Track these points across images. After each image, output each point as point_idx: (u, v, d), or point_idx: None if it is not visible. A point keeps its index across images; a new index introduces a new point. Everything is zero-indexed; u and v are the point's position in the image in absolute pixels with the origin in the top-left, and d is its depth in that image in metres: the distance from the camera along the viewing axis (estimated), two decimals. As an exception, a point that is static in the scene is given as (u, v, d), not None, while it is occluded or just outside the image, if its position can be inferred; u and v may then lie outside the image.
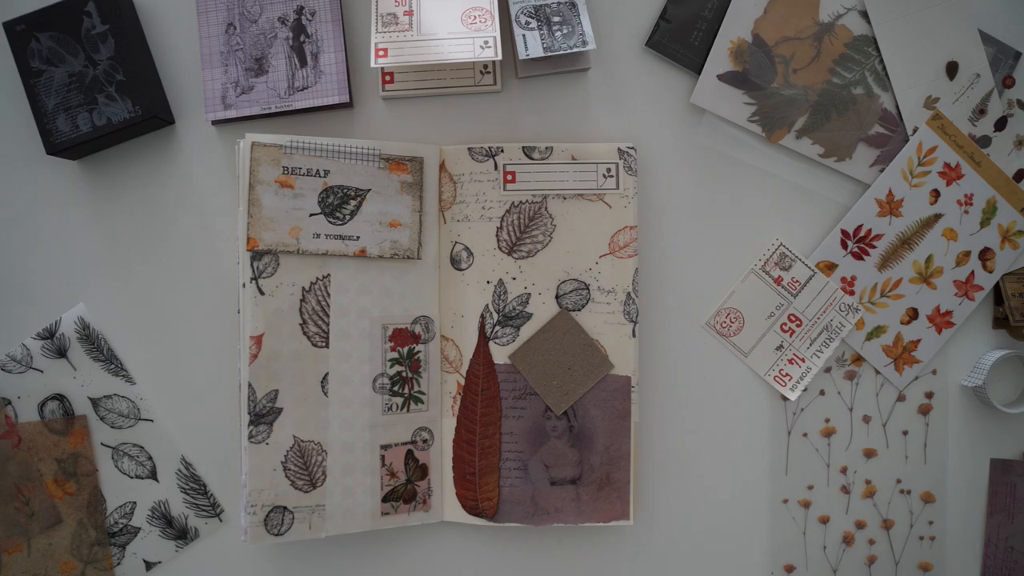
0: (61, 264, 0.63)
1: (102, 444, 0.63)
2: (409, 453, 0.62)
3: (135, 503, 0.63)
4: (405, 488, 0.62)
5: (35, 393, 0.63)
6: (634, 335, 0.63)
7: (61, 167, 0.63)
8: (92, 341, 0.63)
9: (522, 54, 0.59)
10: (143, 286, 0.64)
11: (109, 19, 0.59)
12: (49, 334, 0.63)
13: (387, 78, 0.63)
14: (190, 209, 0.64)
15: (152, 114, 0.59)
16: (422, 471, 0.62)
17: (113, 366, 0.63)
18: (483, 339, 0.63)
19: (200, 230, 0.64)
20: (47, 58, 0.59)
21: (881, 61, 0.66)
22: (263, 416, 0.58)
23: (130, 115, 0.59)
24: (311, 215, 0.59)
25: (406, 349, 0.62)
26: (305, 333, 0.59)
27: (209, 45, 0.62)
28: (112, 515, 0.63)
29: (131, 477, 0.63)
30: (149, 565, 0.64)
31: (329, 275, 0.60)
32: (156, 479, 0.64)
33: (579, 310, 0.63)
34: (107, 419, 0.63)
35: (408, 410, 0.62)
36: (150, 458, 0.64)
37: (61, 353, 0.63)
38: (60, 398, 0.63)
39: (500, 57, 0.58)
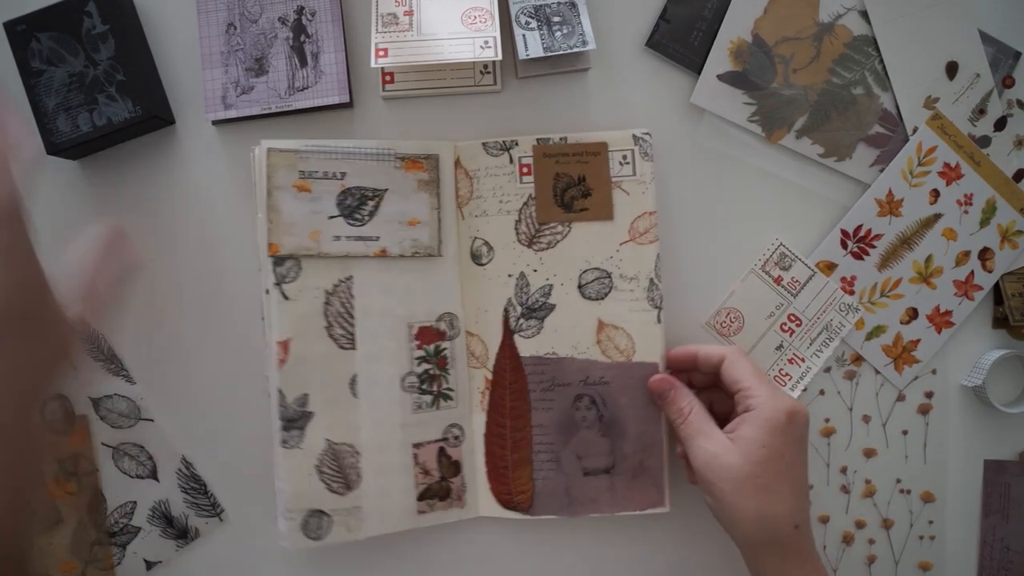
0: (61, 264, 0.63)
1: (103, 444, 0.63)
2: (441, 450, 0.62)
3: (135, 503, 0.64)
4: (440, 486, 0.62)
5: (35, 393, 0.63)
6: (659, 321, 0.63)
7: (61, 167, 0.63)
8: (92, 341, 0.63)
9: (522, 54, 0.59)
10: (143, 285, 0.64)
11: (109, 19, 0.59)
12: (49, 334, 0.63)
13: (387, 78, 0.63)
14: (190, 209, 0.64)
15: (152, 114, 0.59)
16: (455, 468, 0.62)
17: (113, 366, 0.63)
18: (508, 333, 0.63)
19: (200, 230, 0.64)
20: (47, 58, 0.59)
21: (881, 61, 0.66)
22: (294, 421, 0.58)
23: (131, 115, 0.59)
24: (330, 217, 0.59)
25: (432, 347, 0.62)
26: (331, 336, 0.59)
27: (209, 45, 0.62)
28: (113, 515, 0.63)
29: (131, 477, 0.64)
30: (149, 565, 0.64)
31: (352, 277, 0.60)
32: (156, 479, 0.64)
33: (602, 299, 0.63)
34: (107, 419, 0.63)
35: (438, 407, 0.62)
36: (150, 458, 0.64)
37: (61, 353, 0.63)
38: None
39: (500, 57, 0.58)
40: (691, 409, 0.58)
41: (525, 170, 0.63)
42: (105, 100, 0.59)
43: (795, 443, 0.54)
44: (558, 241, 0.63)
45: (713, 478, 0.54)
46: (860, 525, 0.68)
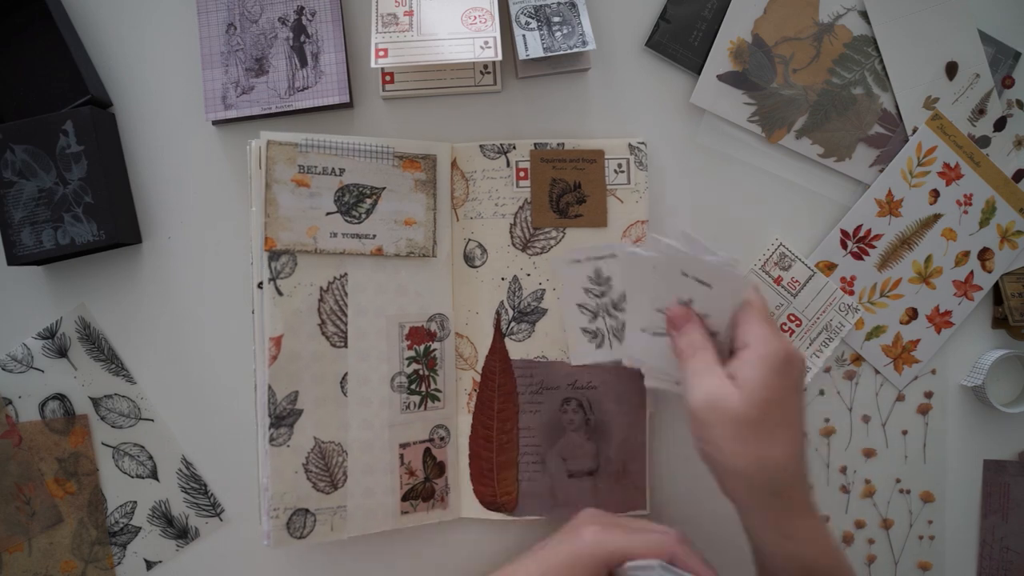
0: (61, 264, 0.64)
1: (103, 444, 0.63)
2: (427, 451, 0.62)
3: (136, 503, 0.64)
4: (424, 486, 0.62)
5: (36, 393, 0.63)
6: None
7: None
8: (92, 341, 0.63)
9: (522, 54, 0.59)
10: (144, 286, 0.64)
11: (85, 140, 0.59)
12: (50, 334, 0.63)
13: (387, 78, 0.63)
14: (191, 209, 0.64)
15: (115, 241, 0.59)
16: (439, 468, 0.62)
17: (114, 366, 0.64)
18: (499, 335, 0.63)
19: (201, 230, 0.64)
20: (20, 170, 0.59)
21: (881, 61, 0.66)
22: (284, 418, 0.58)
23: (94, 238, 0.59)
24: (327, 214, 0.59)
25: (423, 347, 0.62)
26: (324, 333, 0.59)
27: (209, 45, 0.62)
28: (113, 514, 0.63)
29: (132, 477, 0.64)
30: (150, 564, 0.64)
31: (346, 274, 0.60)
32: (157, 479, 0.64)
33: None
34: (108, 419, 0.63)
35: (425, 408, 0.62)
36: (151, 458, 0.64)
37: (62, 353, 0.63)
38: (61, 398, 0.63)
39: (500, 57, 0.58)
40: (703, 346, 0.53)
41: (522, 174, 0.63)
42: (71, 220, 0.59)
43: (794, 388, 0.51)
44: (552, 246, 0.63)
45: (712, 420, 0.49)
46: (860, 525, 0.68)
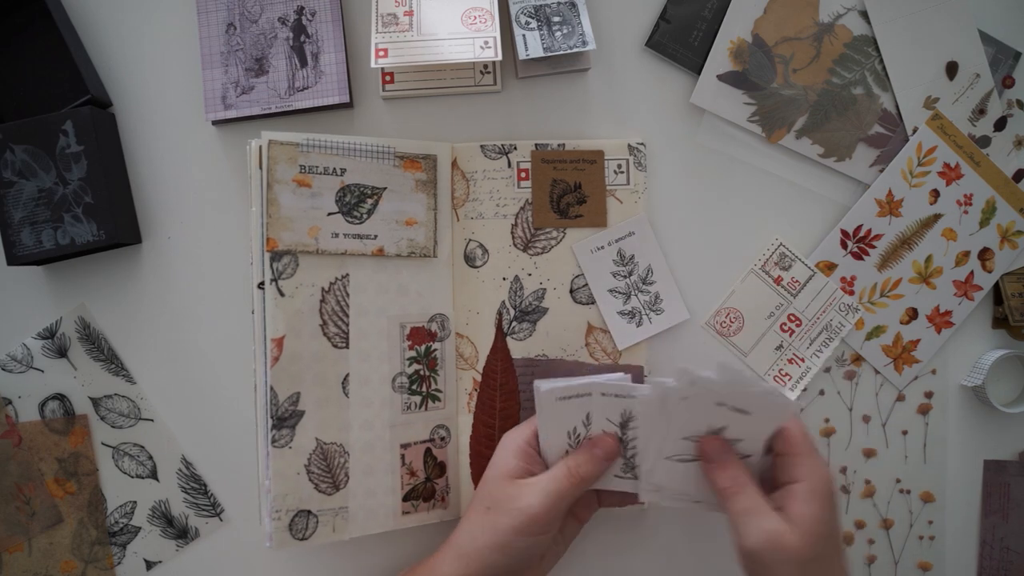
0: (61, 264, 0.64)
1: (103, 444, 0.63)
2: (427, 451, 0.62)
3: (136, 503, 0.64)
4: (424, 486, 0.62)
5: (36, 393, 0.63)
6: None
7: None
8: (92, 341, 0.63)
9: (522, 54, 0.59)
10: (144, 286, 0.64)
11: (85, 140, 0.59)
12: (49, 334, 0.63)
13: (387, 78, 0.63)
14: (191, 209, 0.64)
15: (115, 241, 0.59)
16: (440, 469, 0.62)
17: (113, 366, 0.64)
18: (501, 335, 0.63)
19: (201, 230, 0.64)
20: (19, 170, 0.59)
21: (881, 61, 0.66)
22: (286, 420, 0.58)
23: (94, 238, 0.59)
24: (329, 214, 0.59)
25: (423, 347, 0.62)
26: (325, 334, 0.59)
27: (209, 45, 0.62)
28: (113, 514, 0.63)
29: (132, 477, 0.64)
30: (150, 564, 0.64)
31: (348, 275, 0.60)
32: (156, 479, 0.64)
33: (592, 303, 0.63)
34: (108, 419, 0.63)
35: (426, 408, 0.62)
36: (150, 458, 0.64)
37: (62, 353, 0.63)
38: (61, 398, 0.63)
39: (500, 57, 0.58)
40: (746, 481, 0.51)
41: (523, 175, 0.63)
42: (71, 220, 0.59)
43: (838, 516, 0.51)
44: (552, 246, 0.63)
45: (773, 560, 0.48)
46: (860, 525, 0.68)
